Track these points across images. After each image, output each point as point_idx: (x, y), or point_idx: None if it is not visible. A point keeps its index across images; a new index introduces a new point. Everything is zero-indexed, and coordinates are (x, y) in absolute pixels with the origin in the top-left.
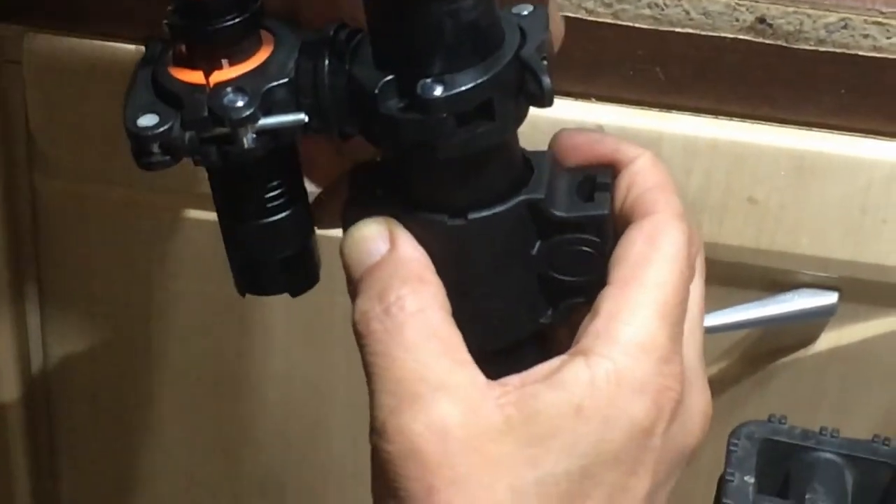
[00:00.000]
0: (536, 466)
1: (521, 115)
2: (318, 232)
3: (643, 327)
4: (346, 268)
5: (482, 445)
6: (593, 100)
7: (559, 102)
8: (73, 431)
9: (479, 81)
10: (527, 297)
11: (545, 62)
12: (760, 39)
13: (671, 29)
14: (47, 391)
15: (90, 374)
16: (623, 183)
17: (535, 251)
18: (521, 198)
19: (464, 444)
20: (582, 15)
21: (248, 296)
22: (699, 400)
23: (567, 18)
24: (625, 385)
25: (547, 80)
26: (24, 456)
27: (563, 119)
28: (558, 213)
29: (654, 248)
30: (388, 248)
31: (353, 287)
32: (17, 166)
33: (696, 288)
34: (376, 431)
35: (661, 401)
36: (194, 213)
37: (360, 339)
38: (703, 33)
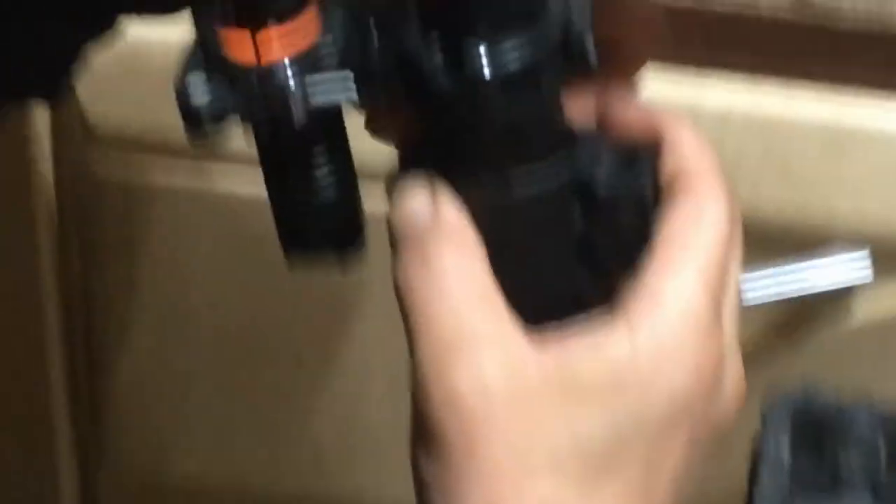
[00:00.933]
0: (574, 430)
1: (565, 81)
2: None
3: (685, 299)
4: (391, 231)
5: (522, 402)
6: None
7: None
8: (115, 403)
9: (525, 49)
10: (568, 270)
11: (590, 27)
12: (799, 18)
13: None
14: (90, 365)
15: (133, 351)
16: (668, 157)
17: (578, 226)
18: (565, 170)
19: (504, 400)
20: None
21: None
22: (735, 373)
23: None
24: (665, 356)
25: (591, 45)
26: (67, 433)
27: None
28: (601, 188)
29: (696, 222)
30: (430, 210)
31: (397, 249)
32: (68, 143)
33: (734, 261)
34: (418, 386)
35: (701, 373)
36: (240, 188)
37: (400, 293)
38: (743, 8)
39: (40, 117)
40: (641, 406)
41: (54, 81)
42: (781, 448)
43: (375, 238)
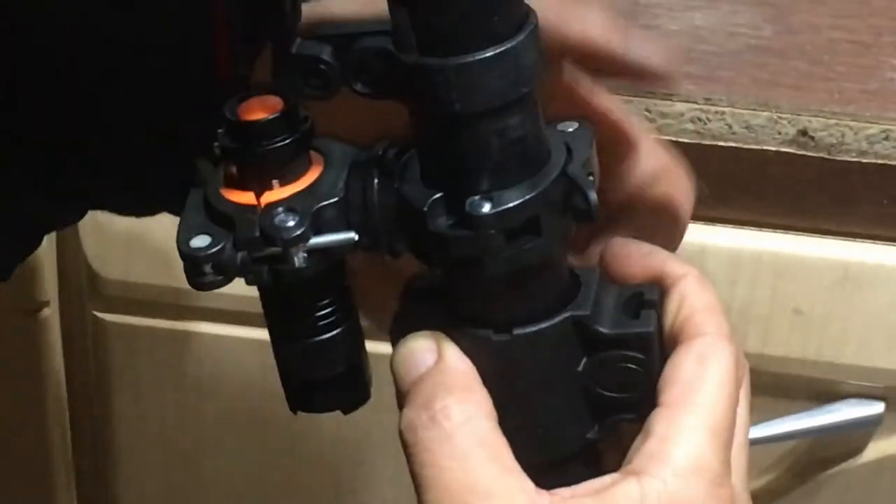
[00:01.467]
0: None
1: (567, 231)
2: (369, 347)
3: (695, 449)
4: (396, 381)
5: None
6: None
7: None
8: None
9: (526, 198)
10: (573, 412)
11: (591, 178)
12: (802, 152)
13: (714, 143)
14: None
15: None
16: (672, 304)
17: (580, 367)
18: (567, 314)
19: None
20: None
21: (299, 414)
22: None
23: None
24: None
25: (593, 196)
26: None
27: None
28: (604, 330)
29: (704, 370)
30: (434, 360)
31: (401, 399)
32: (75, 291)
33: (743, 411)
34: None
35: None
36: (245, 332)
37: (407, 448)
38: (746, 147)
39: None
40: None
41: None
42: None
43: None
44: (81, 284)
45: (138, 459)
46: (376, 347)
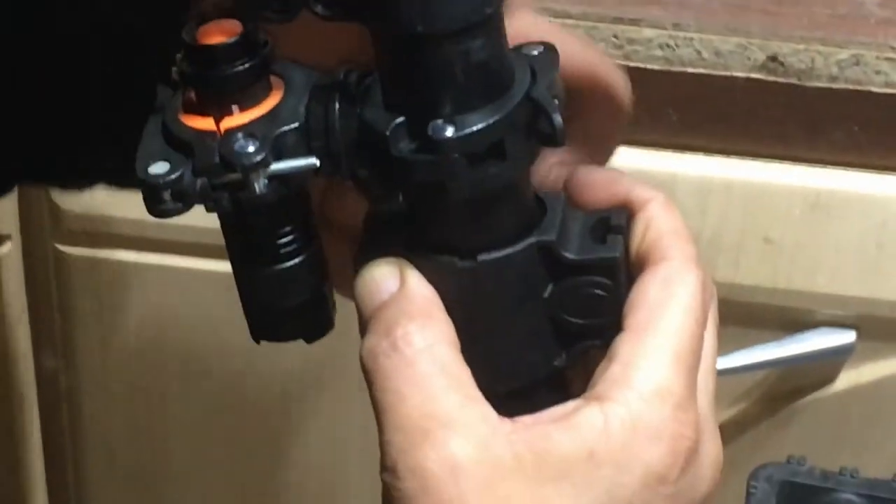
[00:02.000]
0: None
1: (532, 156)
2: None
3: (659, 374)
4: (358, 307)
5: (493, 483)
6: None
7: None
8: (92, 489)
9: (490, 122)
10: (539, 340)
11: (556, 101)
12: (772, 78)
13: (683, 69)
14: (70, 445)
15: (107, 431)
16: (638, 227)
17: (546, 294)
18: (532, 240)
19: (475, 481)
20: None
21: (263, 344)
22: (711, 449)
23: None
24: (640, 431)
25: (558, 119)
26: None
27: None
28: (569, 256)
29: (669, 295)
30: (397, 287)
31: (363, 325)
32: (38, 226)
33: (710, 336)
34: (387, 468)
35: (676, 448)
36: (207, 265)
37: (368, 374)
38: (715, 73)
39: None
40: (615, 483)
41: None
42: None
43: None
44: (43, 218)
45: (102, 394)
46: None
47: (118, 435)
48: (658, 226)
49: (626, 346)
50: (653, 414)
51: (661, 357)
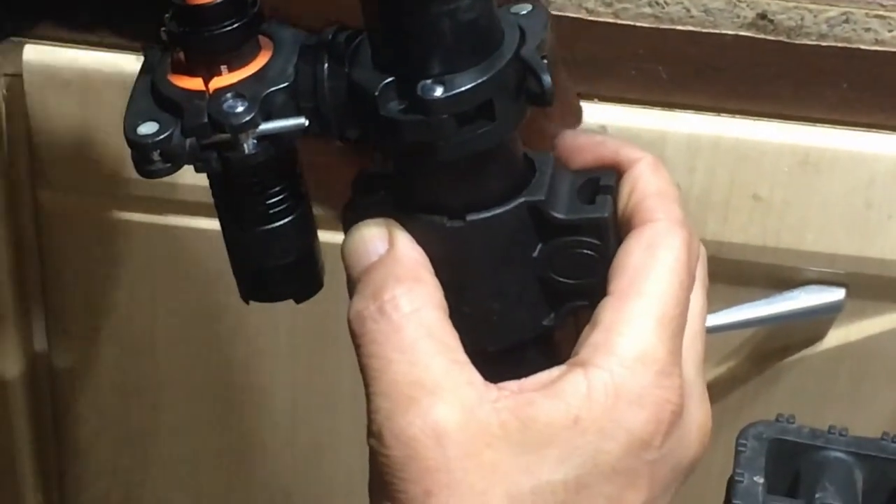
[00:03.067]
0: (532, 474)
1: (521, 115)
2: (322, 238)
3: (642, 339)
4: (346, 268)
5: (478, 450)
6: (596, 100)
7: None
8: (80, 447)
9: (479, 81)
10: (528, 299)
11: (545, 61)
12: (762, 35)
13: (672, 27)
14: (54, 408)
15: (96, 390)
16: (624, 188)
17: (535, 253)
18: (521, 200)
19: (461, 448)
20: (583, 15)
21: (253, 304)
22: (698, 413)
23: (568, 19)
24: (623, 397)
25: (547, 79)
26: (32, 475)
27: None
28: (558, 216)
29: (652, 258)
30: (386, 248)
31: (351, 287)
32: (20, 181)
33: (697, 298)
34: (374, 435)
35: (659, 413)
36: (196, 223)
37: (355, 338)
38: (704, 30)
39: None
40: (599, 450)
41: None
42: (756, 482)
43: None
44: (28, 173)
45: (93, 352)
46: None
47: (106, 393)
48: (643, 187)
49: (609, 312)
50: (635, 380)
51: (644, 322)
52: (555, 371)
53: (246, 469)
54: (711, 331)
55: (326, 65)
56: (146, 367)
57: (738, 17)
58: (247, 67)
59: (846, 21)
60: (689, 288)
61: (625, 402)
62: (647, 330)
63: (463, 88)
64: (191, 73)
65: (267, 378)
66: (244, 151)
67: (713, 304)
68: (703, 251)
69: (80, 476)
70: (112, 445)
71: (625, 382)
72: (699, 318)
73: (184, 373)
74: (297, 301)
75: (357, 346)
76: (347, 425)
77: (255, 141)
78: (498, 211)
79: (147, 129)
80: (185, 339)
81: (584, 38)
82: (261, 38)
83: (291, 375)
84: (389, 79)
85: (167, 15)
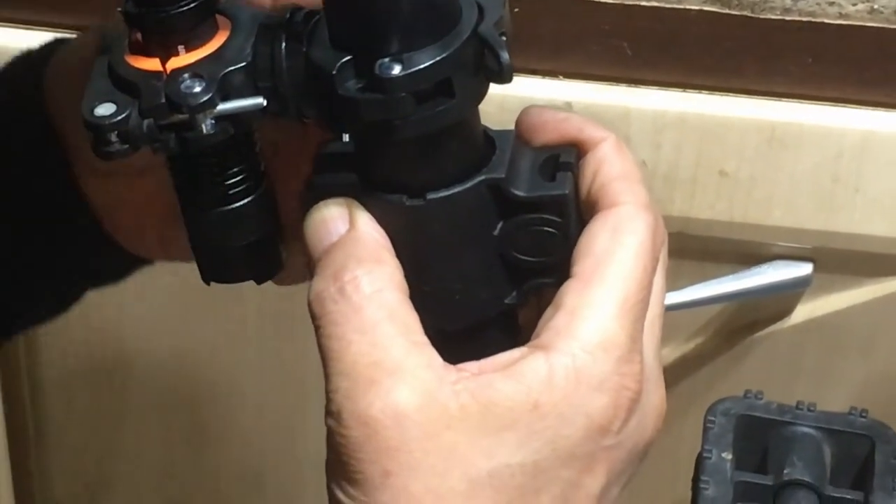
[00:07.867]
0: (491, 457)
1: (481, 93)
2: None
3: (603, 325)
4: (307, 248)
5: (438, 432)
6: (560, 77)
7: (526, 80)
8: (49, 428)
9: (437, 59)
10: (489, 278)
11: (504, 38)
12: (726, 10)
13: (636, 2)
14: (28, 388)
15: (65, 371)
16: (588, 169)
17: (496, 231)
18: (482, 177)
19: (420, 430)
20: None
21: (218, 286)
22: (654, 397)
23: None
24: (583, 382)
25: (506, 56)
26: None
27: (530, 97)
28: (519, 193)
29: (617, 242)
30: (346, 229)
31: (312, 267)
32: None
33: (658, 281)
34: (332, 414)
35: (618, 399)
36: None
37: (315, 319)
38: (669, 6)
39: None
40: (558, 434)
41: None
42: (724, 458)
43: None
44: None
45: (61, 333)
46: None
47: (75, 375)
48: (608, 169)
49: (573, 295)
50: (596, 366)
51: (606, 308)
52: (516, 353)
53: (216, 450)
54: (679, 307)
55: (284, 44)
56: (114, 349)
57: None
58: (204, 47)
59: None
60: (652, 272)
61: (585, 387)
62: (609, 316)
63: (421, 66)
64: (148, 53)
65: (236, 359)
66: (202, 132)
67: (680, 281)
68: (665, 235)
69: (49, 456)
70: (81, 427)
71: (586, 368)
72: (659, 302)
73: (152, 354)
74: (258, 282)
75: (317, 328)
76: (317, 406)
77: (212, 121)
78: (458, 189)
79: (104, 110)
80: (153, 319)
81: (548, 13)
82: (219, 17)
83: (259, 356)
84: (347, 57)
85: None
